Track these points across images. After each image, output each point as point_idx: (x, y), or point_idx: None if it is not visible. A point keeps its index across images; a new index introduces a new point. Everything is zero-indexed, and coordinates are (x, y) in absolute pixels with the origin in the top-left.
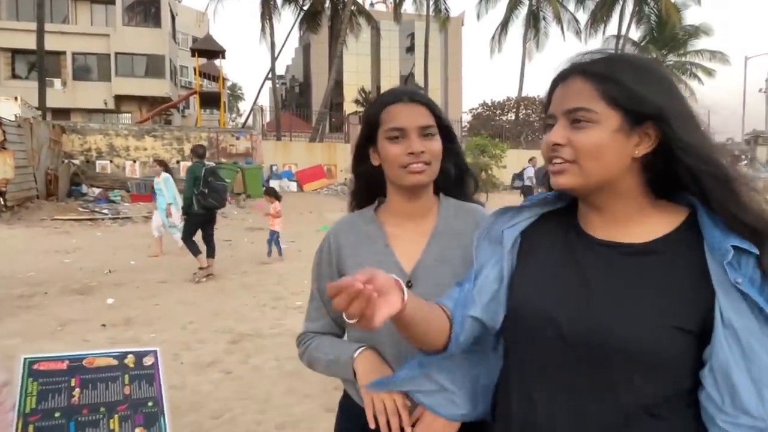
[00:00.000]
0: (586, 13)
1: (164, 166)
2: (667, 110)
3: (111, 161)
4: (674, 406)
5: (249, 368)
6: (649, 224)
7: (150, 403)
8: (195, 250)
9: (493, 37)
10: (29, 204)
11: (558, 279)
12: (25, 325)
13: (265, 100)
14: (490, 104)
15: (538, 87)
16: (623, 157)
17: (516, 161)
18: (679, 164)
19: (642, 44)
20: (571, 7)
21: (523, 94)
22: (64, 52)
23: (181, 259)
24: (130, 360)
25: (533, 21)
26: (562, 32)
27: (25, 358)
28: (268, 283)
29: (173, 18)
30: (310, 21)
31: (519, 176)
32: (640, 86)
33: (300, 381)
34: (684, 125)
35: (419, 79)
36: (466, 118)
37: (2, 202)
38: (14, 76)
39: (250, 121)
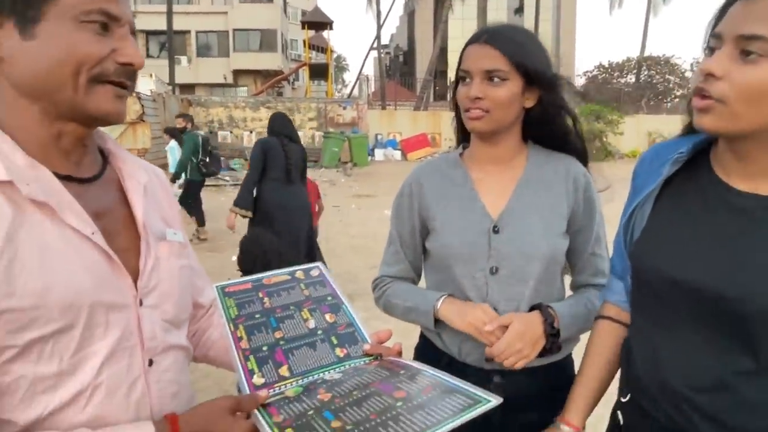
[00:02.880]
0: None
1: (170, 134)
2: None
3: (231, 132)
4: None
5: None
6: None
7: (329, 298)
8: (202, 219)
9: None
10: (166, 172)
11: (688, 234)
12: None
13: (369, 70)
14: (607, 66)
15: (664, 45)
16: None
17: (635, 128)
18: None
19: None
20: None
21: (646, 54)
22: (189, 31)
23: None
24: (299, 274)
25: None
26: None
27: (216, 286)
28: (376, 246)
29: None
30: None
31: None
32: None
33: (411, 338)
34: None
35: None
36: (580, 81)
37: None
38: (148, 55)
39: (355, 91)
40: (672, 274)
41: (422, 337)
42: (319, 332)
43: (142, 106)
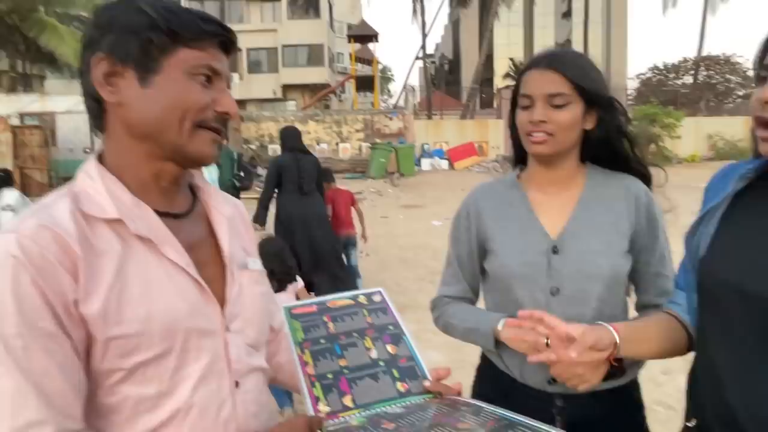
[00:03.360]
0: None
1: None
2: None
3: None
4: None
5: (412, 336)
6: None
7: (391, 327)
8: None
9: None
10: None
11: (756, 247)
12: None
13: (414, 80)
14: (662, 67)
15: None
16: None
17: (694, 131)
18: None
19: None
20: None
21: (704, 54)
22: (240, 49)
23: None
24: (362, 299)
25: None
26: None
27: (284, 306)
28: (425, 258)
29: (330, 7)
30: None
31: None
32: None
33: (460, 352)
34: None
35: (577, 46)
36: (633, 84)
37: None
38: None
39: (401, 102)
40: (739, 284)
41: (483, 357)
42: (381, 363)
43: None
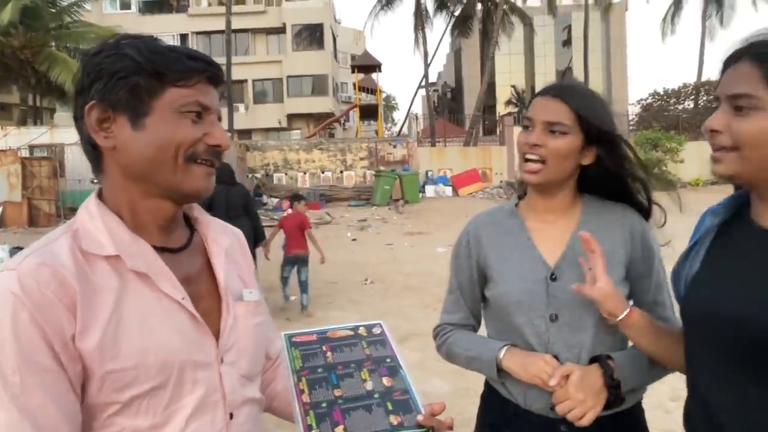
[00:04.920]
0: None
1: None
2: None
3: (285, 173)
4: None
5: (417, 364)
6: None
7: (389, 360)
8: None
9: (665, 19)
10: None
11: (731, 276)
12: None
13: (418, 108)
14: (662, 93)
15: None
16: None
17: (696, 155)
18: None
19: None
20: None
21: (704, 79)
22: (246, 80)
23: (348, 264)
24: (362, 330)
25: None
26: (754, 2)
27: (284, 334)
28: (430, 285)
29: (334, 39)
30: (461, 26)
31: None
32: None
33: (464, 380)
34: None
35: (578, 73)
36: (634, 110)
37: None
38: None
39: (405, 129)
40: (717, 310)
41: (487, 385)
42: (376, 395)
43: None
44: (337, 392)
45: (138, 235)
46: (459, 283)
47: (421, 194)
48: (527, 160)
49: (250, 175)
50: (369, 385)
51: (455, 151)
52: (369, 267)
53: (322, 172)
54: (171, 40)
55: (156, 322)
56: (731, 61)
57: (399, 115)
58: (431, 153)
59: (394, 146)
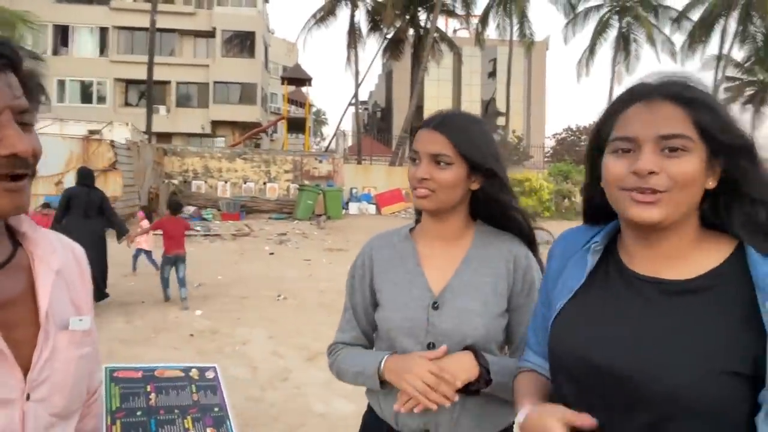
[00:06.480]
0: (682, 33)
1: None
2: (748, 143)
3: (205, 182)
4: None
5: (323, 384)
6: (695, 258)
7: (216, 409)
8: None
9: (580, 61)
10: (132, 219)
11: (597, 320)
12: (123, 332)
13: (347, 125)
14: (575, 129)
15: None
16: (701, 190)
17: None
18: (743, 199)
19: (746, 65)
20: (667, 29)
21: None
22: (169, 82)
23: (263, 278)
24: (194, 373)
25: (623, 43)
26: (657, 54)
27: (106, 367)
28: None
29: (266, 49)
30: (393, 49)
31: None
32: (728, 117)
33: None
34: (752, 159)
35: (500, 104)
36: (550, 143)
37: None
38: (126, 104)
39: (333, 145)
40: (589, 358)
41: (368, 405)
42: None
43: (116, 153)
44: None
45: None
46: (353, 304)
47: (344, 211)
48: (416, 189)
49: (166, 181)
50: None
51: (381, 170)
52: (284, 282)
53: (245, 183)
54: (88, 33)
55: None
56: (636, 101)
57: (328, 130)
58: (357, 170)
59: (320, 161)
